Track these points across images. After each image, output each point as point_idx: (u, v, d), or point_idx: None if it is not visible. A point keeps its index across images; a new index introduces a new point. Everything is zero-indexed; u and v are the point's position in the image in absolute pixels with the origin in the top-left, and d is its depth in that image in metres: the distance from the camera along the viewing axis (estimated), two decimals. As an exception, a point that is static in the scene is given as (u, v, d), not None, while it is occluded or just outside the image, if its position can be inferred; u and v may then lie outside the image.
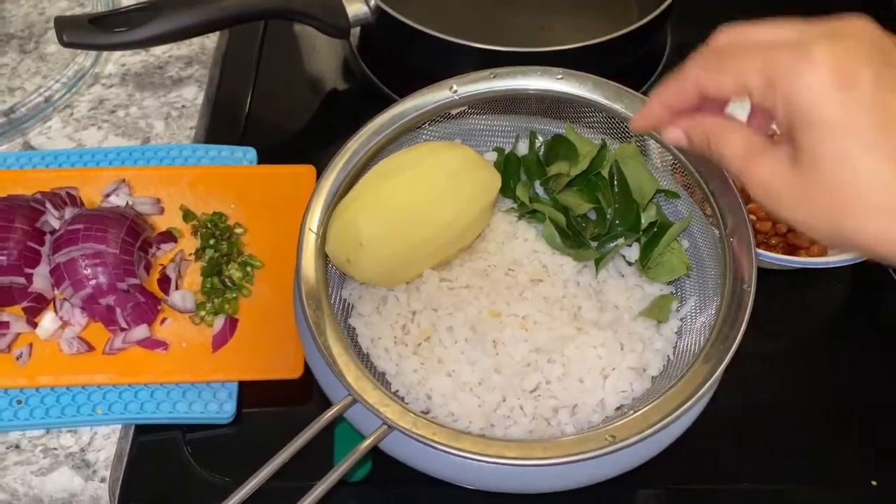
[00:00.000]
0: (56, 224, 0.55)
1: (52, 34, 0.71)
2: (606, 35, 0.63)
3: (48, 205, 0.55)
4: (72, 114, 0.67)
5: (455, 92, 0.51)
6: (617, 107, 0.50)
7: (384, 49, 0.71)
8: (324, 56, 0.75)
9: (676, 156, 0.49)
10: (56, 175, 0.61)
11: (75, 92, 0.67)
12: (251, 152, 0.64)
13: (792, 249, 0.59)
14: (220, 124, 0.68)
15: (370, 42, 0.74)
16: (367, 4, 0.67)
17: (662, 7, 0.65)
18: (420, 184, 0.48)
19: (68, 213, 0.56)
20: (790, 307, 0.58)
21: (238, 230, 0.59)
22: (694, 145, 0.36)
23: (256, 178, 0.62)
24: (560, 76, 0.51)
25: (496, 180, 0.50)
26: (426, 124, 0.53)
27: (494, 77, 0.52)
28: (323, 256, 0.47)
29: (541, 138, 0.54)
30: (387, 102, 0.48)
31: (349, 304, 0.49)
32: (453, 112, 0.53)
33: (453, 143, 0.53)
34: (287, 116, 0.70)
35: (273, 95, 0.71)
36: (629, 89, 0.50)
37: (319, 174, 0.60)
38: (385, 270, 0.47)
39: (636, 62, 0.73)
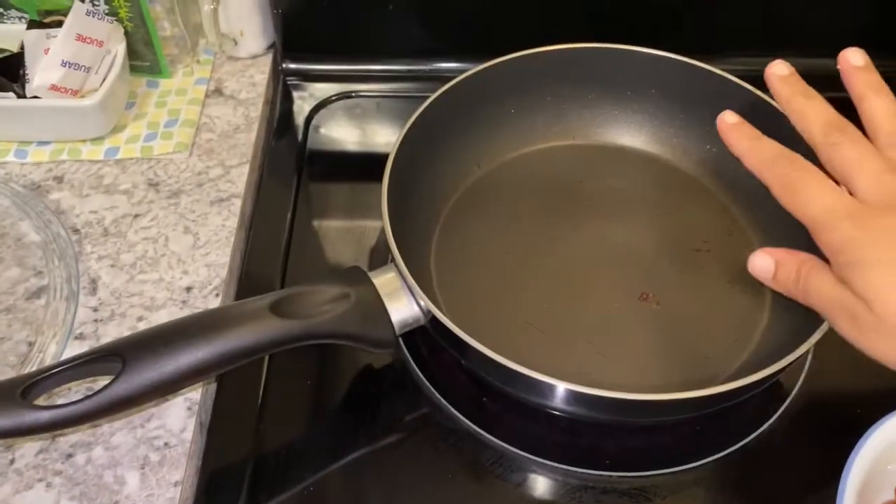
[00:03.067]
0: None
1: (-7, 322, 0.53)
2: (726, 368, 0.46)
3: None
4: (12, 461, 0.48)
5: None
6: None
7: (437, 349, 0.53)
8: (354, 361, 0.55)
9: None
10: None
11: (19, 422, 0.49)
12: (259, 527, 0.46)
13: None
14: (217, 470, 0.50)
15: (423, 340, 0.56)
16: (417, 303, 0.48)
17: (803, 349, 0.45)
18: None
19: None
20: None
21: None
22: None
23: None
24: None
25: None
26: None
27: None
28: None
29: None
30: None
31: None
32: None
33: None
34: (300, 454, 0.51)
35: (285, 417, 0.52)
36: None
37: None
38: None
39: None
